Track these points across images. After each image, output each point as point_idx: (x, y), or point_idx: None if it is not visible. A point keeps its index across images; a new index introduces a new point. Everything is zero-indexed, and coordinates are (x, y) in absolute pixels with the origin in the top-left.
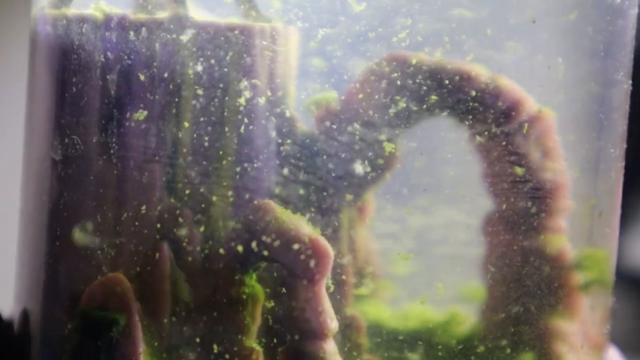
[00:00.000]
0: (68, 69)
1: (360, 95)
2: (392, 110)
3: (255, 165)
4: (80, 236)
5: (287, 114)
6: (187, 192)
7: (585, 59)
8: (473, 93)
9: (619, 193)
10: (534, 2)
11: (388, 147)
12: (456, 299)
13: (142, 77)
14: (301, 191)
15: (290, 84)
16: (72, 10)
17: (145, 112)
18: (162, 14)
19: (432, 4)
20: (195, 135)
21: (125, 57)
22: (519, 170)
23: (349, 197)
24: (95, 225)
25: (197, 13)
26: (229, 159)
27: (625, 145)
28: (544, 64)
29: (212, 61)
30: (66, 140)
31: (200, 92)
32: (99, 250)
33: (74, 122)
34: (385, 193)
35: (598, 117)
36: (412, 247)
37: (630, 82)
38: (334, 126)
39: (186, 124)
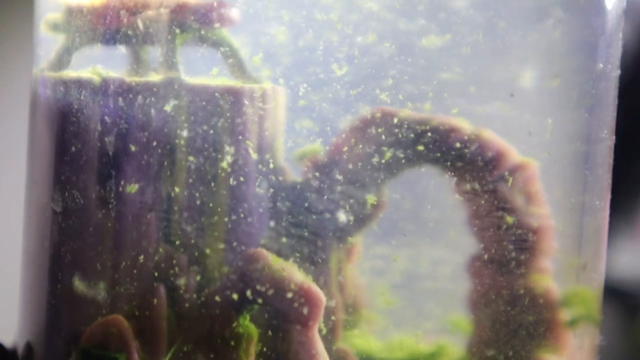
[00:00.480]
0: (67, 130)
1: (346, 147)
2: (377, 161)
3: (247, 219)
4: (80, 284)
5: (276, 168)
6: (183, 244)
7: (571, 119)
8: (457, 145)
9: (604, 242)
10: (519, 68)
11: (370, 199)
12: (444, 331)
13: (137, 141)
14: (292, 240)
15: (278, 140)
16: (70, 73)
17: (137, 185)
18: (156, 77)
19: (414, 65)
20: (188, 194)
21: (122, 122)
22: (504, 216)
23: (337, 243)
24: (94, 272)
25: (189, 76)
26: (222, 214)
27: (610, 197)
28: (531, 123)
29: (204, 124)
30: (66, 194)
31: (192, 154)
32: (99, 296)
33: (74, 178)
34: (372, 234)
35: (583, 173)
36: (398, 282)
37: (613, 137)
38: (321, 177)
39: (180, 183)
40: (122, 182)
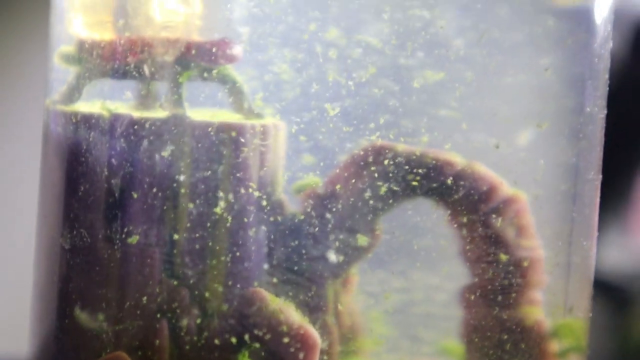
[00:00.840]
0: (76, 169)
1: (344, 180)
2: (373, 194)
3: (246, 257)
4: (86, 320)
5: (275, 202)
6: (184, 286)
7: (559, 161)
8: (450, 179)
9: (590, 282)
10: (509, 112)
11: (366, 232)
12: (438, 356)
13: (141, 182)
14: (289, 276)
15: (278, 174)
16: (80, 108)
17: (137, 237)
18: (162, 114)
19: (411, 100)
20: (189, 237)
21: (128, 162)
22: (495, 248)
23: (334, 276)
24: (100, 309)
25: (194, 113)
26: (222, 257)
27: (596, 235)
28: (525, 162)
29: (206, 162)
30: (74, 232)
31: (194, 192)
32: (103, 332)
33: (82, 217)
34: (367, 262)
35: (571, 215)
36: (393, 309)
37: (600, 176)
38: (319, 209)
39: (181, 228)
40: (127, 224)
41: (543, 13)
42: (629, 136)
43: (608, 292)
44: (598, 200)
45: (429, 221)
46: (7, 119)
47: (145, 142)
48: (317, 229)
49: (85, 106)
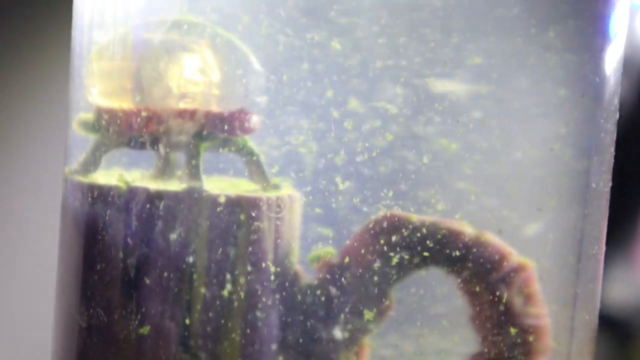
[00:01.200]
0: (94, 247)
1: (357, 251)
2: (386, 264)
3: (258, 344)
4: None
5: (290, 273)
6: None
7: (565, 235)
8: (461, 248)
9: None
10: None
11: (368, 315)
12: None
13: (156, 265)
14: (304, 345)
15: (294, 245)
16: (98, 179)
17: (149, 327)
18: (179, 187)
19: (428, 168)
20: (203, 320)
21: (144, 245)
22: (503, 316)
23: (348, 345)
24: None
25: (211, 182)
26: (236, 337)
27: (598, 308)
28: (532, 234)
29: (223, 237)
30: (91, 310)
31: (209, 276)
32: None
33: (99, 295)
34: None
35: (574, 290)
36: None
37: (603, 251)
38: (334, 279)
39: (196, 310)
40: (143, 305)
41: (555, 82)
42: (633, 175)
43: (611, 326)
44: (600, 274)
45: (442, 288)
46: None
47: (161, 218)
48: (332, 299)
49: (103, 176)
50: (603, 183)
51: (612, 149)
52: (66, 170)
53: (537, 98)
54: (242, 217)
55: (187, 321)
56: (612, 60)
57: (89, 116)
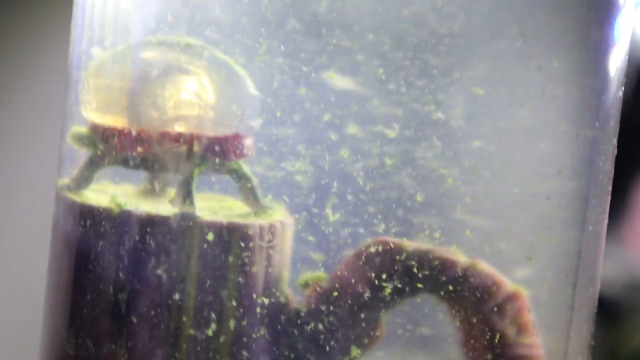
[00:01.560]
0: (84, 276)
1: (348, 276)
2: (377, 291)
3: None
4: None
5: (280, 298)
6: None
7: (557, 287)
8: (453, 277)
9: None
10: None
11: (355, 351)
12: None
13: (148, 302)
14: None
15: (284, 269)
16: (90, 198)
17: (149, 346)
18: (171, 211)
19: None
20: (194, 352)
21: (135, 281)
22: (496, 344)
23: None
24: None
25: (202, 200)
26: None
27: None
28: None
29: (213, 262)
30: (80, 340)
31: (200, 308)
32: None
33: (88, 327)
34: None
35: (568, 335)
36: None
37: (598, 287)
38: (324, 304)
39: (185, 348)
40: (132, 341)
41: (557, 116)
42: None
43: (600, 305)
44: (595, 308)
45: (431, 313)
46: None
47: (153, 244)
48: (321, 322)
49: (94, 195)
50: (599, 225)
51: (610, 188)
52: (59, 183)
53: (538, 131)
54: (234, 245)
55: (177, 354)
56: (612, 94)
57: (83, 130)
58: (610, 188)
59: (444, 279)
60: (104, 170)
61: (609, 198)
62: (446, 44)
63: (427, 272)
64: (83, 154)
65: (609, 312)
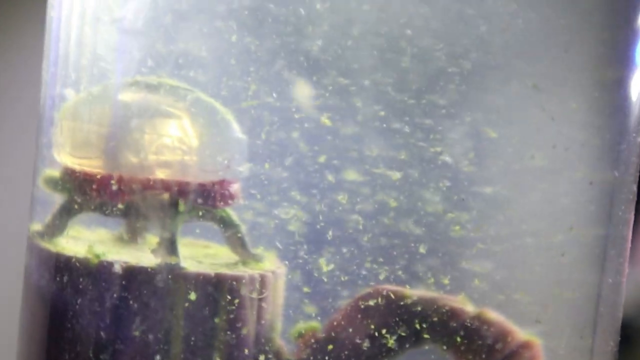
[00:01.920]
0: (61, 335)
1: (344, 326)
2: (376, 342)
3: None
4: None
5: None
6: None
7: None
8: (461, 326)
9: None
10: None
11: None
12: None
13: (131, 350)
14: None
15: (277, 320)
16: (65, 248)
17: None
18: (153, 262)
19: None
20: None
21: (118, 341)
22: None
23: None
24: None
25: (185, 251)
26: None
27: None
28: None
29: (200, 314)
30: None
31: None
32: None
33: None
34: None
35: None
36: None
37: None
38: (318, 355)
39: None
40: None
41: (573, 163)
42: None
43: None
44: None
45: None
46: None
47: (133, 297)
48: None
49: (69, 243)
50: (619, 276)
51: (629, 242)
52: (31, 229)
53: (552, 178)
54: (222, 298)
55: None
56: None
57: (56, 174)
58: (630, 236)
59: (450, 328)
60: (79, 216)
61: (627, 253)
62: (456, 84)
63: (432, 321)
64: (56, 199)
65: (622, 332)
